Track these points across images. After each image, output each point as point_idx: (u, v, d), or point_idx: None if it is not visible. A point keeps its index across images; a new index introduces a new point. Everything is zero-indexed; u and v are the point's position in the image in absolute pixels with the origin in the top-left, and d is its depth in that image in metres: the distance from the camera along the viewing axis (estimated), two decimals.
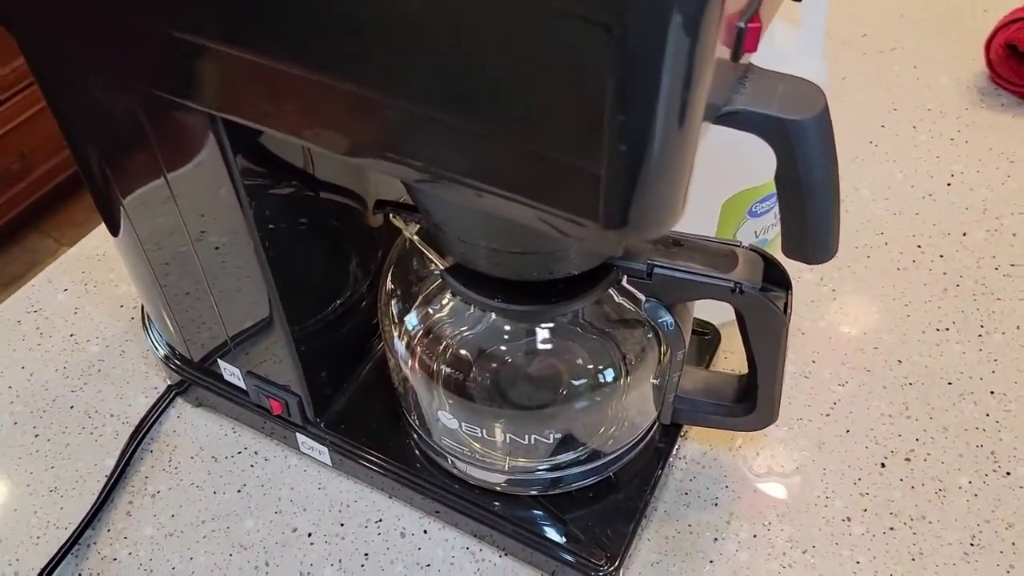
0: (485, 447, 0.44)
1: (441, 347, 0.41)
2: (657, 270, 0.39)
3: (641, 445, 0.47)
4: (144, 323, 0.53)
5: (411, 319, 0.42)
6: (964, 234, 0.61)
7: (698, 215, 0.49)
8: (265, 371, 0.47)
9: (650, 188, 0.25)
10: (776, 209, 0.50)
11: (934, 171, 0.65)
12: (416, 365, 0.42)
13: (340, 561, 0.47)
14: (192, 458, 0.51)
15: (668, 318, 0.40)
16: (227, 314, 0.44)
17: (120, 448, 0.51)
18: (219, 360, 0.48)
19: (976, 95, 0.70)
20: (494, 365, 0.41)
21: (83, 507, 0.48)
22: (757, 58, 0.43)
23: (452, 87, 0.26)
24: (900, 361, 0.54)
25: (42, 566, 0.46)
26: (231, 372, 0.49)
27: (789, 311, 0.40)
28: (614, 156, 0.24)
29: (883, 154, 0.66)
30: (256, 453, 0.51)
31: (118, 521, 0.48)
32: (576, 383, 0.42)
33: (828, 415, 0.52)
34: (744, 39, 0.28)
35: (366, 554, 0.47)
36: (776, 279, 0.40)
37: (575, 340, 0.42)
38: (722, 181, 0.47)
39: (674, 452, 0.48)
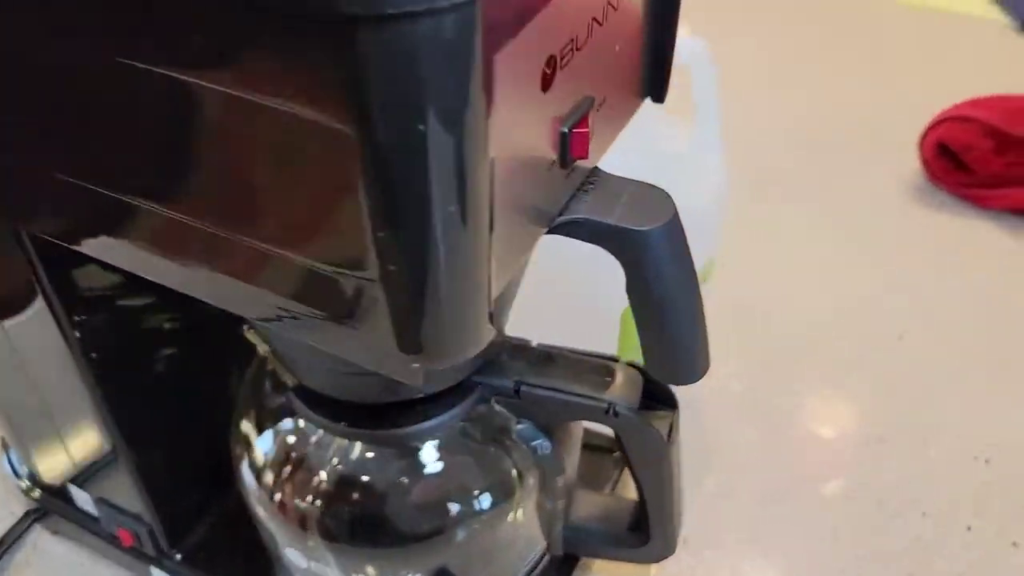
0: None
1: (286, 475, 0.37)
2: (525, 388, 0.35)
3: None
4: (2, 444, 0.49)
5: (260, 442, 0.38)
6: (900, 338, 0.57)
7: (595, 326, 0.46)
8: (115, 498, 0.42)
9: (440, 309, 0.22)
10: None
11: (868, 272, 0.62)
12: (262, 494, 0.37)
13: None
14: None
15: (542, 441, 0.36)
16: (71, 438, 0.40)
17: None
18: (70, 485, 0.44)
19: (914, 193, 0.68)
20: (350, 496, 0.37)
21: None
22: (647, 155, 0.40)
23: (223, 203, 0.23)
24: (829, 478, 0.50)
25: None
26: (84, 499, 0.44)
27: (674, 434, 0.36)
28: (388, 276, 0.21)
29: (818, 253, 0.64)
30: None
31: None
32: (442, 515, 0.37)
33: (749, 541, 0.47)
34: (570, 144, 0.25)
35: None
36: (661, 398, 0.37)
37: (444, 466, 0.38)
38: (616, 289, 0.44)
39: None
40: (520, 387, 0.35)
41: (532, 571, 0.42)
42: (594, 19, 0.25)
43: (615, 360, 0.37)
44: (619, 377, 0.36)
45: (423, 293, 0.21)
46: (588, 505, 0.42)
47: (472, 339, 0.23)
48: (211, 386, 0.42)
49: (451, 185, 0.19)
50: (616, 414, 0.34)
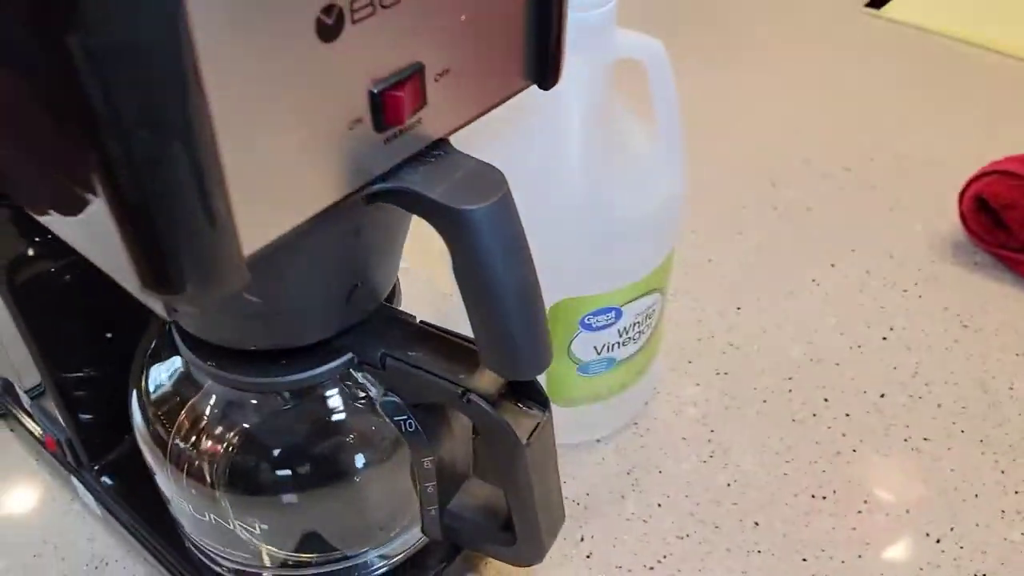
0: (227, 538, 0.40)
1: (160, 411, 0.38)
2: (390, 361, 0.35)
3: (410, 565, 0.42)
4: None
5: (151, 373, 0.39)
6: (882, 395, 0.53)
7: None
8: (47, 406, 0.45)
9: (156, 243, 0.22)
10: (617, 326, 0.45)
11: (873, 322, 0.58)
12: (140, 424, 0.39)
13: None
14: None
15: (407, 419, 0.36)
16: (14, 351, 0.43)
17: None
18: (18, 388, 0.47)
19: (948, 248, 0.63)
20: (214, 438, 0.38)
21: None
22: (608, 150, 0.39)
23: None
24: (757, 523, 0.47)
25: None
26: (26, 400, 0.47)
27: (534, 437, 0.34)
28: (111, 202, 0.21)
29: (823, 294, 0.60)
30: (48, 490, 0.49)
31: None
32: (299, 469, 0.38)
33: (653, 569, 0.45)
34: (384, 108, 0.25)
35: None
36: (535, 397, 0.35)
37: (309, 423, 0.38)
38: (544, 288, 0.43)
39: None
40: (386, 359, 0.35)
41: (416, 554, 0.42)
42: None
43: None
44: (548, 351, 0.33)
45: (135, 224, 0.21)
46: (470, 495, 0.41)
47: (208, 279, 0.22)
48: (130, 314, 0.44)
49: (141, 108, 0.19)
50: (469, 402, 0.34)
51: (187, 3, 0.19)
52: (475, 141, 0.36)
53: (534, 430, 0.35)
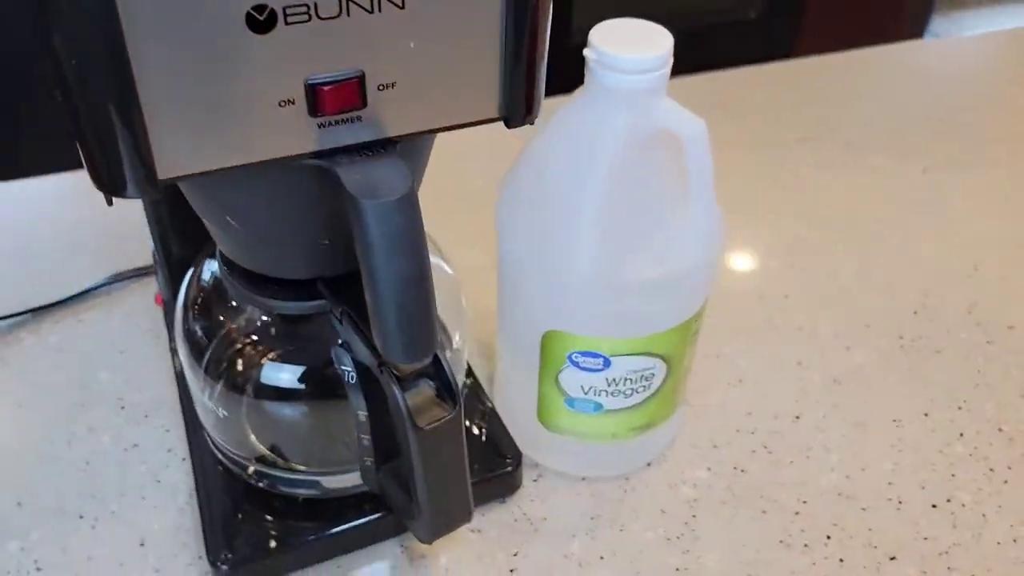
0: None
1: (195, 306, 0.46)
2: (345, 320, 0.40)
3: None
4: None
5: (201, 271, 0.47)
6: (892, 558, 0.49)
7: (520, 337, 0.48)
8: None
9: (88, 148, 0.29)
10: (605, 374, 0.46)
11: (932, 485, 0.53)
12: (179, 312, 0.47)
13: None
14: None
15: (350, 371, 0.41)
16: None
17: None
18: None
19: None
20: (227, 342, 0.46)
21: None
22: (650, 205, 0.42)
23: None
24: None
25: None
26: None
27: (433, 428, 0.38)
28: (70, 127, 0.29)
29: (896, 438, 0.55)
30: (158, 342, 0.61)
31: None
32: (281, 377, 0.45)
33: None
34: (315, 97, 0.30)
35: (135, 444, 0.54)
36: (450, 392, 0.39)
37: (297, 345, 0.45)
38: (538, 312, 0.46)
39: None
40: (343, 316, 0.40)
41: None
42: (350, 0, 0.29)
43: (444, 332, 0.40)
44: (424, 344, 0.37)
45: (84, 146, 0.29)
46: (404, 464, 0.45)
47: (126, 187, 0.29)
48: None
49: (81, 66, 0.26)
50: (383, 373, 0.38)
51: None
52: (524, 168, 0.41)
53: (436, 421, 0.38)
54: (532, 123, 0.35)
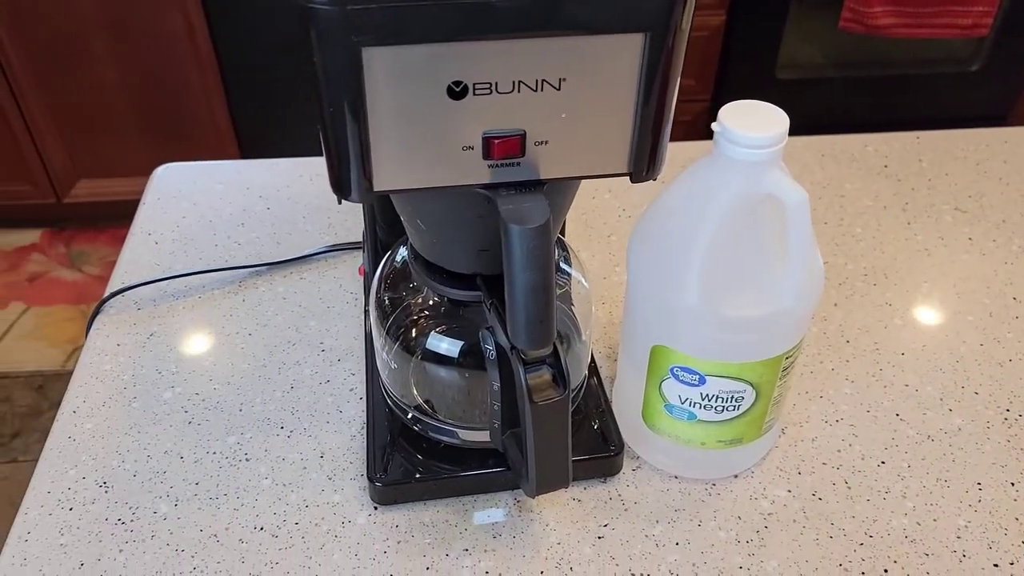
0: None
1: (387, 280, 0.60)
2: (492, 312, 0.51)
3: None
4: None
5: (396, 252, 0.61)
6: None
7: (635, 346, 0.57)
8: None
9: (332, 160, 0.42)
10: (700, 390, 0.55)
11: (999, 554, 0.57)
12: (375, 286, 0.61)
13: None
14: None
15: (491, 349, 0.52)
16: None
17: None
18: None
19: None
20: (408, 315, 0.59)
21: None
22: (757, 251, 0.51)
23: None
24: None
25: None
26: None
27: (545, 405, 0.48)
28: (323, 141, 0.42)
29: (978, 501, 0.60)
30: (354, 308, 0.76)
31: None
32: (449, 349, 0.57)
33: None
34: (488, 145, 0.42)
35: (328, 380, 0.68)
36: (563, 380, 0.49)
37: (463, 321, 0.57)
38: (651, 329, 0.55)
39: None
40: (491, 307, 0.52)
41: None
42: (521, 83, 0.40)
43: (575, 330, 0.50)
44: (543, 337, 0.48)
45: (325, 147, 0.41)
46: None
47: (352, 193, 0.42)
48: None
49: (331, 96, 0.39)
50: (512, 353, 0.49)
51: (363, 65, 0.38)
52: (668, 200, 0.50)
53: (548, 399, 0.49)
54: (654, 179, 0.45)
